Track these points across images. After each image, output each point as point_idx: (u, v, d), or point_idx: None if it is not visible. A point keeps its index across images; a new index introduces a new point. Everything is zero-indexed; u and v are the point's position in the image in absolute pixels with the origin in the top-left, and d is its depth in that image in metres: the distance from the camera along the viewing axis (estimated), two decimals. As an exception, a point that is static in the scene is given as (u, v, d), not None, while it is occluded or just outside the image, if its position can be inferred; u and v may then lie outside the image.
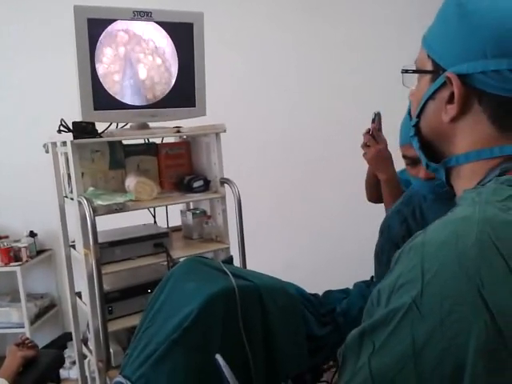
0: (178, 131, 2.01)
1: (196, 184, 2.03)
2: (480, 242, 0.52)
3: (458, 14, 0.66)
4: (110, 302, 1.84)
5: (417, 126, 0.74)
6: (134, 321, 1.80)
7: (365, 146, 1.58)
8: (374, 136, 1.56)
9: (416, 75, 0.74)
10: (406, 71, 0.75)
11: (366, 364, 0.54)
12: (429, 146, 0.74)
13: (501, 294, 0.50)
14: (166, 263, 1.89)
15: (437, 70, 0.68)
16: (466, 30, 0.65)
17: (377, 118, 1.59)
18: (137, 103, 1.87)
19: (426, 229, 0.59)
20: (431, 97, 0.70)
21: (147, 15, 1.79)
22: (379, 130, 1.59)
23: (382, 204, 1.92)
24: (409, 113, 0.79)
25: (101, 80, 1.76)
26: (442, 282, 0.52)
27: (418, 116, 0.73)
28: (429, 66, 0.70)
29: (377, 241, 1.39)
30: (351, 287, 1.39)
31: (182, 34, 1.88)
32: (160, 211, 2.17)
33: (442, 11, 0.70)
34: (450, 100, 0.66)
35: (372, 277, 1.39)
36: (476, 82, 0.64)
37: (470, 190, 0.63)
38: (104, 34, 1.74)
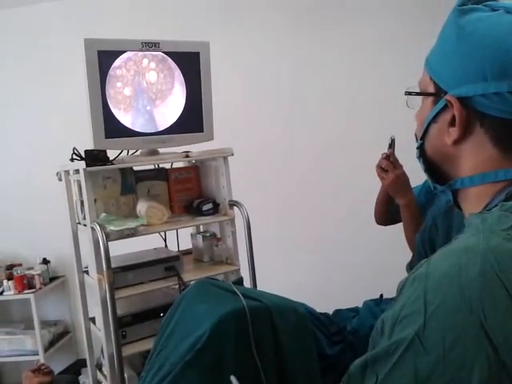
0: (187, 156, 2.06)
1: (205, 207, 2.07)
2: (483, 273, 0.51)
3: (457, 37, 0.66)
4: (124, 326, 1.86)
5: (421, 147, 0.74)
6: (148, 345, 1.81)
7: (382, 171, 1.59)
8: (392, 161, 1.57)
9: (420, 96, 0.74)
10: (409, 93, 0.75)
11: None
12: (435, 168, 0.74)
13: (504, 328, 0.49)
14: (177, 286, 1.91)
15: (438, 93, 0.68)
16: (466, 53, 0.65)
17: (393, 143, 1.60)
18: (146, 130, 1.92)
19: (430, 258, 0.58)
20: (434, 119, 0.70)
21: (155, 46, 1.86)
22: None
23: (390, 225, 1.94)
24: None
25: (111, 109, 1.82)
26: (445, 314, 0.51)
27: (422, 138, 0.73)
28: (431, 89, 0.70)
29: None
30: (360, 305, 1.40)
31: (189, 63, 1.94)
32: (171, 235, 2.20)
33: (442, 33, 0.70)
34: (452, 123, 0.66)
35: (381, 295, 1.40)
36: (477, 105, 0.64)
37: (475, 215, 0.62)
38: (114, 64, 1.81)
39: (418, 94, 0.74)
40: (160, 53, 1.88)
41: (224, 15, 3.47)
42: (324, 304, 1.57)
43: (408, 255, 1.53)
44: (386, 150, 1.61)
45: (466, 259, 0.53)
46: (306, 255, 3.49)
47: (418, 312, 0.53)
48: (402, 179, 1.56)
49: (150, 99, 1.92)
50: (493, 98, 0.62)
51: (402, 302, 0.56)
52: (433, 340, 0.51)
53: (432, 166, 0.74)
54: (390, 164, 1.56)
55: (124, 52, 1.82)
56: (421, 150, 0.75)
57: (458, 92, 0.65)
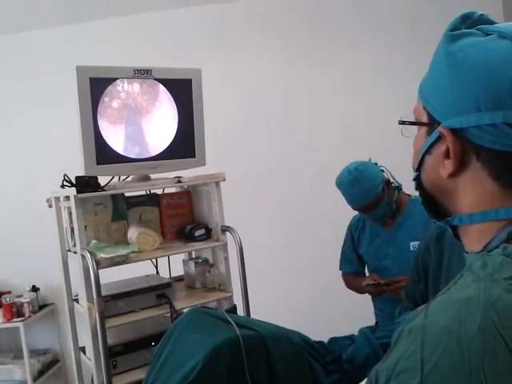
0: (179, 181, 2.05)
1: (197, 233, 2.05)
2: (484, 330, 0.48)
3: (448, 65, 0.62)
4: (114, 356, 1.81)
5: (418, 179, 0.70)
6: (139, 375, 1.77)
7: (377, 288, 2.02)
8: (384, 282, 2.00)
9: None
10: (402, 122, 0.70)
11: None
12: (433, 200, 0.69)
13: None
14: (169, 315, 1.88)
15: (432, 123, 0.64)
16: (457, 82, 0.61)
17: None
18: (138, 156, 1.92)
19: (428, 307, 0.55)
20: (428, 151, 0.66)
21: (147, 73, 1.86)
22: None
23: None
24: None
25: (103, 135, 1.81)
26: (443, 374, 0.48)
27: (418, 169, 0.69)
28: (424, 118, 0.66)
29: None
30: (355, 331, 1.39)
31: (181, 90, 1.95)
32: (162, 261, 2.17)
33: (433, 61, 0.66)
34: (447, 155, 0.62)
35: (376, 322, 1.39)
36: (471, 137, 0.60)
37: (475, 255, 0.59)
38: (106, 91, 1.81)
39: (411, 123, 0.70)
40: (152, 80, 1.89)
41: (218, 37, 3.51)
42: (319, 330, 1.55)
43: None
44: None
45: (466, 313, 0.50)
46: (301, 280, 3.46)
47: (414, 369, 0.50)
48: None
49: (141, 125, 1.92)
50: (488, 130, 0.58)
51: (398, 355, 0.53)
52: None
53: (430, 199, 0.70)
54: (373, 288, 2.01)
55: (116, 79, 1.83)
56: (417, 181, 0.70)
57: (451, 123, 0.61)
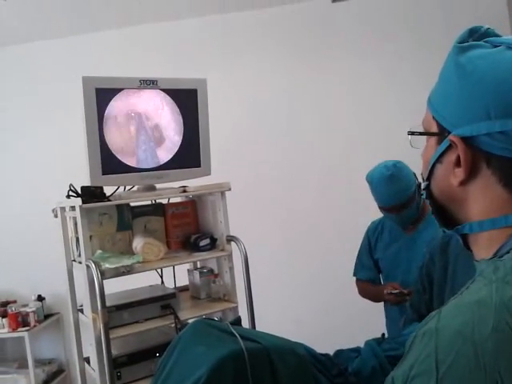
0: (184, 191, 2.04)
1: (202, 243, 2.04)
2: (497, 332, 0.49)
3: (457, 76, 0.64)
4: (119, 366, 1.80)
5: (428, 188, 0.71)
6: (143, 386, 1.76)
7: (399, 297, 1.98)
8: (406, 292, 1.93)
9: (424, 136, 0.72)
10: (412, 133, 0.72)
11: None
12: (443, 210, 0.71)
13: None
14: (173, 325, 1.87)
15: (442, 133, 0.66)
16: (467, 91, 0.63)
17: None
18: (143, 166, 1.92)
19: (441, 311, 0.56)
20: (438, 160, 0.68)
21: (153, 83, 1.87)
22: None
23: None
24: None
25: (109, 146, 1.82)
26: (458, 376, 0.49)
27: (428, 179, 0.71)
28: (434, 128, 0.68)
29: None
30: (360, 343, 1.37)
31: (187, 100, 1.95)
32: (167, 271, 2.17)
33: (443, 72, 0.69)
34: (458, 163, 0.64)
35: (383, 334, 1.37)
36: (482, 145, 0.61)
37: (486, 262, 0.60)
38: (111, 102, 1.81)
39: (421, 133, 0.71)
40: (157, 90, 1.90)
41: (222, 46, 3.53)
42: (324, 342, 1.53)
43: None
44: None
45: (479, 315, 0.51)
46: (306, 290, 3.43)
47: (429, 372, 0.51)
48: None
49: (147, 135, 1.93)
50: (498, 137, 0.60)
51: (412, 359, 0.54)
52: None
53: (440, 208, 0.71)
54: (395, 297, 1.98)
55: (122, 89, 1.83)
56: (427, 191, 0.72)
57: (461, 132, 0.63)
